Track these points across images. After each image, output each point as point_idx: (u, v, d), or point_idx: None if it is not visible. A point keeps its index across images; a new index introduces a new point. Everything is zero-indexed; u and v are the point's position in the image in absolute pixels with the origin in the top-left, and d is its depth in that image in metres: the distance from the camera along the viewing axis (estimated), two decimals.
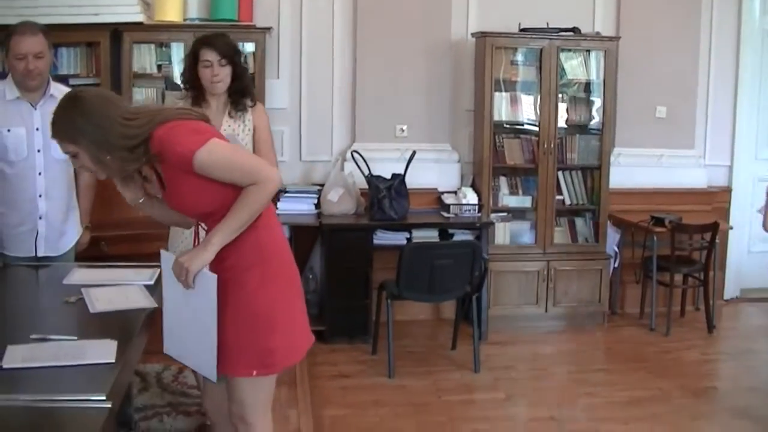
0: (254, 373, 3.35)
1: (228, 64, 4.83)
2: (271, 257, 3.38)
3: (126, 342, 3.18)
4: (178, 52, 6.84)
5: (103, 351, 3.04)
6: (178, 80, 6.73)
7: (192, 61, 4.84)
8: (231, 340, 3.29)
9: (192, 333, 3.34)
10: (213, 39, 4.89)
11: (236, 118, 4.93)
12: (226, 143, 3.29)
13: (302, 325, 3.54)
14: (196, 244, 3.40)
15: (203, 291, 3.18)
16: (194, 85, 4.87)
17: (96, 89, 3.59)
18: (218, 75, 4.80)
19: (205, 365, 3.33)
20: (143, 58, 6.85)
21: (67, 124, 3.14)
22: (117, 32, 6.69)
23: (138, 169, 3.27)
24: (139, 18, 6.62)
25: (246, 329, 3.30)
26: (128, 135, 3.12)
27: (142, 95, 6.85)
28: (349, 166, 7.25)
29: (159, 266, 3.65)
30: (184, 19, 6.85)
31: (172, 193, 3.28)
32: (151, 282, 4.03)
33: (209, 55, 4.79)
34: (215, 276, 3.16)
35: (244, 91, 4.95)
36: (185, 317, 3.35)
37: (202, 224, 3.40)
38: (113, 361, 2.96)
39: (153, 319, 3.64)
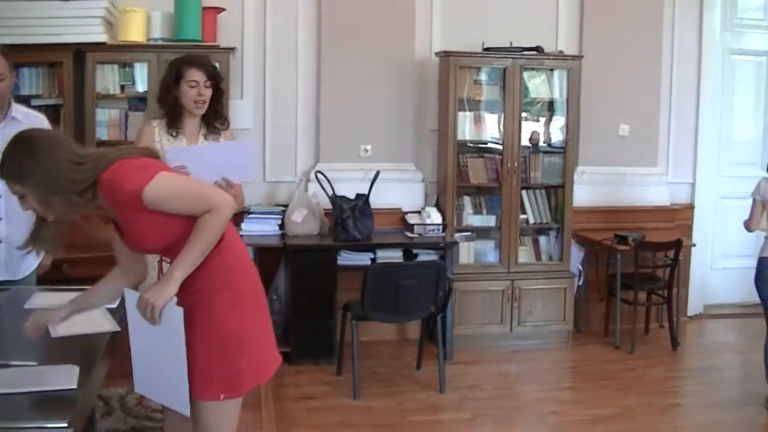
0: (222, 396, 3.33)
1: (211, 86, 4.82)
2: (237, 278, 3.36)
3: (89, 367, 3.15)
4: (141, 73, 6.80)
5: (65, 376, 3.01)
6: (142, 100, 6.74)
7: (174, 80, 4.79)
8: (198, 364, 3.25)
9: (162, 369, 3.30)
10: (200, 59, 4.91)
11: (210, 141, 4.89)
12: (175, 175, 3.28)
13: (270, 346, 3.53)
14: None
15: (170, 325, 3.14)
16: (173, 106, 4.81)
17: (48, 131, 3.55)
18: (203, 96, 4.79)
19: (177, 400, 3.29)
20: (106, 78, 6.78)
21: (15, 166, 3.12)
22: (80, 52, 6.63)
23: (86, 213, 3.24)
24: (102, 38, 6.57)
25: (214, 352, 3.28)
26: (76, 180, 3.11)
27: (106, 116, 6.79)
28: (313, 186, 7.22)
29: None
30: (148, 39, 6.79)
31: (130, 233, 3.27)
32: (114, 305, 3.98)
33: (196, 75, 4.77)
34: (181, 309, 3.13)
35: (219, 113, 4.93)
36: (154, 353, 3.30)
37: (166, 258, 3.37)
38: (75, 386, 2.93)
39: (116, 342, 3.60)
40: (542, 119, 7.75)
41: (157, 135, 4.80)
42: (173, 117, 4.82)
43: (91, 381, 3.09)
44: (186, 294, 3.23)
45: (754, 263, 8.52)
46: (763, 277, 6.32)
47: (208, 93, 4.81)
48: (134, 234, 3.25)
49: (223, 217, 3.17)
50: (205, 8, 6.81)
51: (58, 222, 3.25)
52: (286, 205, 7.18)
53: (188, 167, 4.26)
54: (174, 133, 4.80)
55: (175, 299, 3.14)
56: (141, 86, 6.85)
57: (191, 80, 4.75)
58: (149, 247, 3.34)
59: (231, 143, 5.00)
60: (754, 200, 6.59)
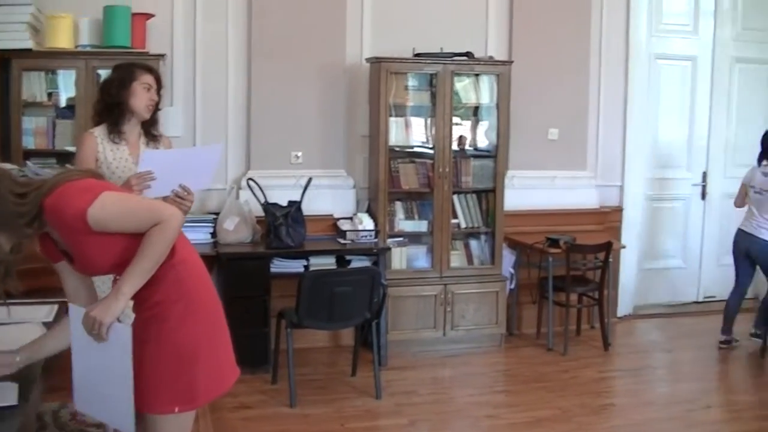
0: (177, 409, 3.28)
1: (158, 92, 4.81)
2: (192, 291, 3.32)
3: (29, 383, 3.09)
4: (69, 80, 6.68)
5: (4, 394, 2.95)
6: (70, 108, 6.64)
7: (124, 82, 4.71)
8: (153, 378, 3.21)
9: (106, 386, 3.23)
10: (151, 66, 4.91)
11: (152, 148, 4.84)
12: (119, 193, 3.23)
13: (227, 358, 3.49)
14: None
15: (117, 342, 3.09)
16: (120, 108, 4.73)
17: None
18: (155, 99, 4.76)
19: (120, 419, 3.22)
20: (33, 85, 6.64)
21: None
22: (5, 59, 6.49)
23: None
24: (28, 45, 6.41)
25: (169, 365, 3.24)
26: (22, 213, 3.05)
27: (32, 124, 6.63)
28: (245, 194, 7.18)
29: (57, 302, 3.56)
30: (76, 46, 6.68)
31: (79, 257, 3.21)
32: (50, 319, 3.92)
33: (150, 80, 4.75)
34: (129, 327, 3.08)
35: (157, 121, 4.90)
36: (98, 370, 3.24)
37: (119, 276, 3.32)
38: (15, 403, 2.87)
39: (54, 357, 3.53)
40: (473, 124, 7.80)
41: (99, 144, 4.73)
42: (117, 121, 4.75)
43: (32, 397, 3.03)
44: (142, 308, 3.23)
45: (680, 264, 8.79)
46: (738, 245, 7.60)
47: (156, 98, 4.79)
48: (83, 257, 3.19)
49: (171, 230, 3.14)
50: (134, 14, 6.72)
51: (11, 259, 3.18)
52: (217, 213, 7.12)
53: (156, 173, 4.25)
54: (116, 140, 4.73)
55: (132, 315, 3.11)
56: (69, 94, 6.73)
57: (145, 83, 4.72)
58: (100, 269, 3.28)
59: (202, 148, 5.00)
60: (742, 184, 7.72)
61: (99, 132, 4.77)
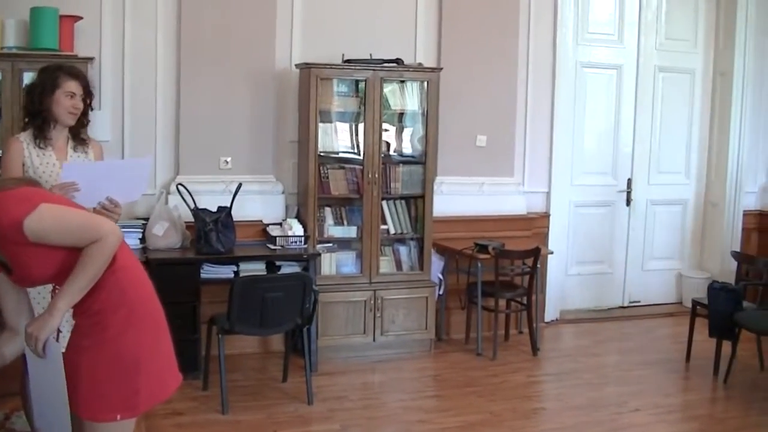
0: (118, 417, 3.26)
1: (84, 99, 4.72)
2: (133, 298, 3.31)
3: None
4: None
5: None
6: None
7: (48, 88, 4.64)
8: (95, 385, 3.20)
9: (47, 401, 3.23)
10: (77, 71, 4.79)
11: (79, 152, 4.79)
12: (57, 206, 3.21)
13: (169, 364, 3.48)
14: None
15: (52, 358, 3.10)
16: (44, 115, 4.66)
17: None
18: (78, 107, 4.68)
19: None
20: None
21: None
22: None
23: None
24: None
25: (110, 372, 3.22)
26: None
27: None
28: (174, 199, 7.12)
29: None
30: (1, 48, 6.56)
31: (17, 267, 3.17)
32: None
33: (74, 87, 4.66)
34: (59, 344, 3.07)
35: (84, 126, 4.83)
36: (41, 386, 3.24)
37: (59, 286, 3.27)
38: None
39: None
40: (402, 130, 7.82)
41: (25, 150, 4.65)
42: (41, 127, 4.67)
43: None
44: (84, 316, 3.22)
45: (606, 269, 8.94)
46: None
47: (81, 105, 4.71)
48: (20, 267, 3.16)
49: (109, 247, 3.12)
50: (62, 16, 6.61)
51: None
52: (146, 218, 7.05)
53: (80, 184, 4.18)
54: (42, 145, 4.66)
55: (72, 321, 3.08)
56: None
57: (69, 91, 4.64)
58: (39, 279, 3.25)
59: (129, 161, 4.92)
60: None
61: (25, 137, 4.70)
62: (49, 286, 3.66)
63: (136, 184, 4.71)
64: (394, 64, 7.48)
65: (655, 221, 9.46)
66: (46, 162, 4.67)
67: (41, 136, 4.67)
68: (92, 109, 4.88)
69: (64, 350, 3.32)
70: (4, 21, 6.61)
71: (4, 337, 3.40)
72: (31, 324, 3.15)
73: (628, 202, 9.26)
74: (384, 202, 7.64)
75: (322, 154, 7.44)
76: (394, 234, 7.75)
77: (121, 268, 3.28)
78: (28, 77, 6.35)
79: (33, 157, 4.65)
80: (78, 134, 4.82)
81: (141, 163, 5.12)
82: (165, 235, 6.94)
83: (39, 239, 3.05)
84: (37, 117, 4.68)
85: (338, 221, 7.63)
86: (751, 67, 9.23)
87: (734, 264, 7.94)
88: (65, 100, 4.65)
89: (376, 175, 7.45)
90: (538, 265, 7.66)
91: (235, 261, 6.98)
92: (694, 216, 9.65)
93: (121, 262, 3.28)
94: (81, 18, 6.85)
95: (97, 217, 3.30)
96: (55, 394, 3.13)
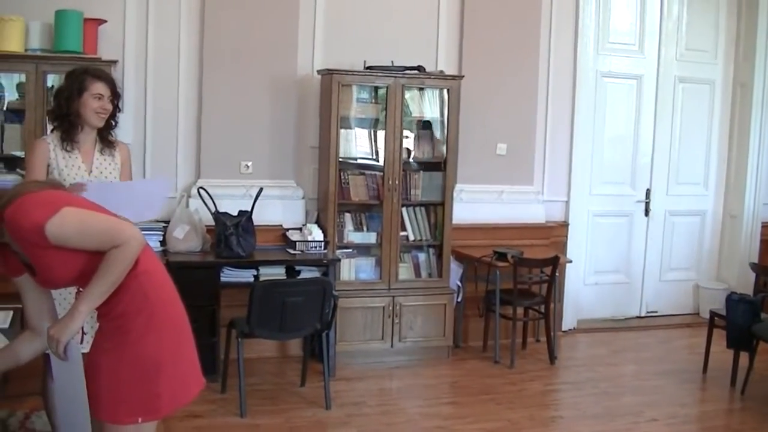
0: (140, 420, 3.27)
1: (112, 101, 4.75)
2: (155, 302, 3.31)
3: None
4: (18, 84, 6.63)
5: None
6: (18, 112, 6.56)
7: (76, 91, 4.66)
8: (117, 388, 3.22)
9: (68, 402, 3.27)
10: (104, 73, 4.81)
11: (106, 155, 4.80)
12: (80, 210, 3.22)
13: (191, 368, 3.49)
14: None
15: (72, 360, 3.13)
16: (71, 119, 4.68)
17: None
18: (107, 108, 4.71)
19: None
20: None
21: None
22: None
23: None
24: None
25: (132, 375, 3.23)
26: None
27: None
28: (195, 202, 7.15)
29: (12, 308, 3.55)
30: (26, 50, 6.59)
31: (40, 269, 3.19)
32: (6, 325, 3.88)
33: (102, 89, 4.68)
34: (79, 346, 3.09)
35: (111, 127, 4.85)
36: (63, 387, 3.27)
37: (82, 288, 3.29)
38: None
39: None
40: (423, 137, 7.83)
41: (51, 151, 4.68)
42: (69, 130, 4.70)
43: None
44: (107, 319, 3.24)
45: (624, 279, 8.93)
46: None
47: (109, 107, 4.73)
48: (43, 270, 3.18)
49: (130, 253, 3.14)
50: (86, 19, 6.66)
51: None
52: (167, 221, 7.07)
53: (100, 202, 4.22)
54: (69, 148, 4.69)
55: (96, 324, 3.11)
56: (18, 97, 6.67)
57: (97, 93, 4.66)
58: (60, 282, 3.28)
59: (149, 181, 4.96)
60: None
61: (52, 138, 4.72)
62: (73, 289, 3.68)
63: (152, 203, 4.82)
64: (416, 72, 7.51)
65: (674, 232, 9.45)
66: (72, 164, 4.69)
67: (68, 139, 4.69)
68: (120, 111, 4.90)
69: (87, 351, 3.36)
70: (28, 23, 6.64)
71: (24, 337, 3.41)
72: (53, 326, 3.17)
73: (647, 212, 9.25)
74: (404, 209, 7.66)
75: (342, 160, 7.46)
76: (414, 241, 7.76)
77: (144, 272, 3.29)
78: (51, 79, 6.45)
79: (59, 159, 4.67)
80: (105, 136, 4.84)
81: (160, 184, 5.19)
82: (185, 239, 6.98)
83: (61, 243, 3.07)
84: (64, 121, 4.70)
85: (358, 227, 7.65)
86: None
87: (752, 275, 7.91)
88: (93, 102, 4.67)
89: (397, 182, 7.46)
90: (557, 274, 7.66)
91: (255, 265, 7.00)
92: (713, 227, 9.64)
93: (144, 265, 3.29)
94: (105, 21, 6.89)
95: (119, 221, 3.30)
96: (76, 395, 3.16)
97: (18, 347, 3.39)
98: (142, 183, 4.96)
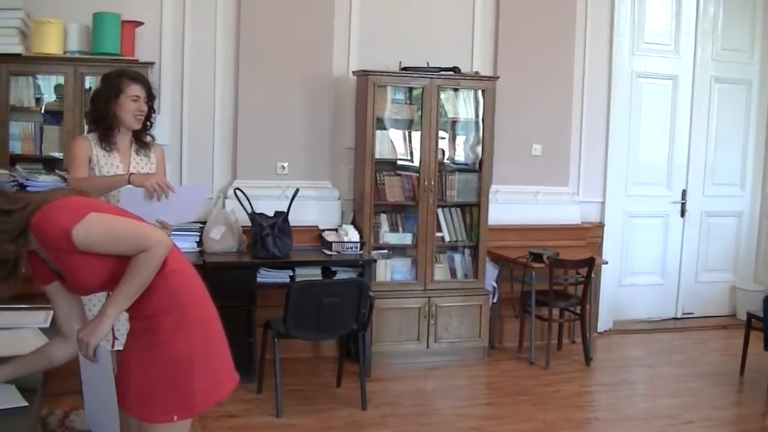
0: (175, 418, 3.28)
1: (148, 102, 4.81)
2: (184, 301, 3.32)
3: (33, 387, 3.15)
4: (57, 86, 6.68)
5: (10, 396, 2.98)
6: (57, 114, 6.61)
7: (113, 93, 4.72)
8: (151, 388, 3.24)
9: (98, 403, 3.31)
10: (140, 75, 4.89)
11: (142, 156, 4.87)
12: (106, 215, 3.24)
13: (223, 366, 3.49)
14: None
15: (102, 363, 3.16)
16: (109, 121, 4.74)
17: None
18: (143, 110, 4.77)
19: None
20: (21, 90, 6.62)
21: None
22: None
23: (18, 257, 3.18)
24: (18, 49, 6.39)
25: (165, 375, 3.25)
26: (6, 230, 3.06)
27: (19, 129, 6.61)
28: (231, 203, 7.19)
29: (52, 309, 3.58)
30: (65, 52, 6.65)
31: (68, 276, 3.22)
32: (46, 324, 3.90)
33: (138, 91, 4.75)
34: (108, 349, 3.12)
35: (147, 128, 4.91)
36: (93, 389, 3.32)
37: (111, 292, 3.32)
38: (27, 404, 2.88)
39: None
40: (458, 138, 7.84)
41: (93, 149, 4.73)
42: (106, 131, 4.75)
43: (35, 402, 3.05)
44: (137, 320, 3.28)
45: (659, 280, 8.87)
46: None
47: (145, 108, 4.79)
48: (72, 276, 3.21)
49: (157, 257, 3.16)
50: (123, 22, 6.72)
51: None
52: (203, 222, 7.11)
53: (137, 207, 4.24)
54: (107, 148, 4.75)
55: (128, 325, 3.14)
56: (57, 99, 6.72)
57: (133, 95, 4.72)
58: (88, 288, 3.30)
59: (188, 187, 5.01)
60: None
61: (92, 137, 4.79)
62: (102, 294, 3.71)
63: (190, 207, 4.91)
64: (451, 73, 7.51)
65: (710, 233, 9.40)
66: (110, 163, 4.75)
67: (106, 141, 4.75)
68: (155, 112, 4.94)
69: (121, 349, 3.39)
70: (67, 26, 6.69)
71: (56, 341, 3.44)
72: (82, 330, 3.20)
73: (683, 213, 9.21)
74: (439, 210, 7.66)
75: (379, 160, 7.47)
76: (449, 241, 7.77)
77: (172, 272, 3.30)
78: (89, 81, 6.50)
79: (99, 157, 4.73)
80: (141, 137, 4.89)
81: (198, 190, 5.27)
82: (222, 239, 7.01)
83: (87, 248, 3.08)
84: (101, 123, 4.76)
85: (393, 228, 7.66)
86: None
87: None
88: (130, 104, 4.73)
89: (432, 183, 7.47)
90: (592, 275, 7.63)
91: (291, 266, 7.02)
92: (749, 228, 9.58)
93: (171, 265, 3.30)
94: (142, 23, 6.94)
95: (146, 226, 3.31)
96: (105, 396, 3.19)
97: (51, 350, 3.41)
98: (180, 189, 5.02)
